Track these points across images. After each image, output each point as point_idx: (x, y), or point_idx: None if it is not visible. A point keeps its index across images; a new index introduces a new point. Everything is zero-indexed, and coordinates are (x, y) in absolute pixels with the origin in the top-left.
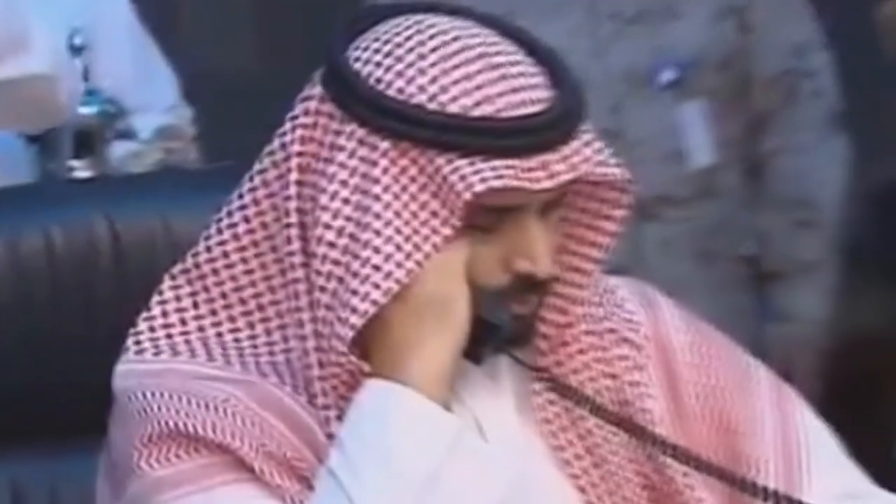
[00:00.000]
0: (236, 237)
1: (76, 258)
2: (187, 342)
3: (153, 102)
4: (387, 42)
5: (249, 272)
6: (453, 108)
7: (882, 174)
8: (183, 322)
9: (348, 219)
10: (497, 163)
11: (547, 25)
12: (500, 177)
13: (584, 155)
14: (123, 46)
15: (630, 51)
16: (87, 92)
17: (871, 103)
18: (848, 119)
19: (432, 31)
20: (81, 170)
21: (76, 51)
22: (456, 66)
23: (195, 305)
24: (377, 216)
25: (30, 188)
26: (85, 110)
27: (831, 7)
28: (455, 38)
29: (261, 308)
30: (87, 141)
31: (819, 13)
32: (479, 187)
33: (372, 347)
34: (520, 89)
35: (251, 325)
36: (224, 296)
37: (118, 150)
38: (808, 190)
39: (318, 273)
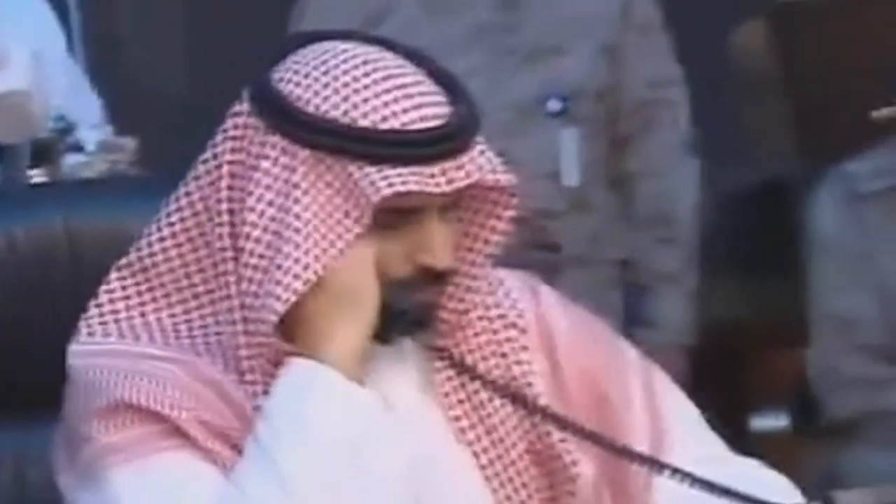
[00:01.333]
0: (174, 235)
1: (36, 253)
2: (131, 326)
3: (83, 120)
4: (305, 65)
5: (185, 265)
6: (364, 122)
7: (731, 184)
8: (128, 308)
9: (272, 218)
10: (402, 170)
11: (454, 61)
12: (405, 182)
13: (478, 163)
14: (60, 71)
15: (524, 84)
16: None
17: (724, 120)
18: (702, 135)
19: (345, 55)
20: (39, 176)
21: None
22: (366, 86)
23: (138, 294)
24: (297, 216)
25: None
26: None
27: (690, 33)
28: (365, 62)
29: (195, 297)
30: (43, 152)
31: (678, 39)
32: (386, 191)
33: (294, 331)
34: (421, 106)
35: (187, 312)
36: (163, 286)
37: (69, 160)
38: (666, 209)
39: (246, 266)
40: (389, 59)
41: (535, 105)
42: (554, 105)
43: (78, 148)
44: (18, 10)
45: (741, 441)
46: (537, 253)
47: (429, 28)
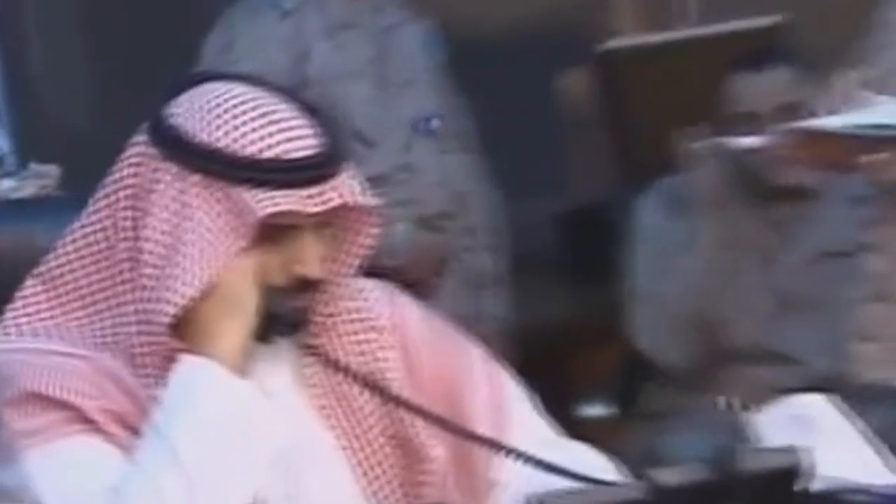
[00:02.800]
0: (77, 249)
1: None
2: (44, 328)
3: None
4: (196, 102)
5: (89, 275)
6: (247, 152)
7: (561, 208)
8: (38, 312)
9: (167, 234)
10: (280, 192)
11: (352, 87)
12: (282, 203)
13: (347, 187)
14: None
15: (407, 107)
16: None
17: (552, 154)
18: (533, 167)
19: (230, 94)
20: None
21: None
22: (248, 121)
23: (48, 300)
24: (190, 231)
25: None
26: None
27: (521, 78)
28: (246, 100)
29: (95, 303)
30: None
31: (513, 83)
32: (265, 211)
33: (185, 331)
34: (296, 138)
35: (90, 315)
36: (69, 293)
37: (4, 185)
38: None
39: (142, 275)
40: (268, 97)
41: (417, 124)
42: (434, 124)
43: (9, 174)
44: None
45: (567, 426)
46: None
47: (333, 58)
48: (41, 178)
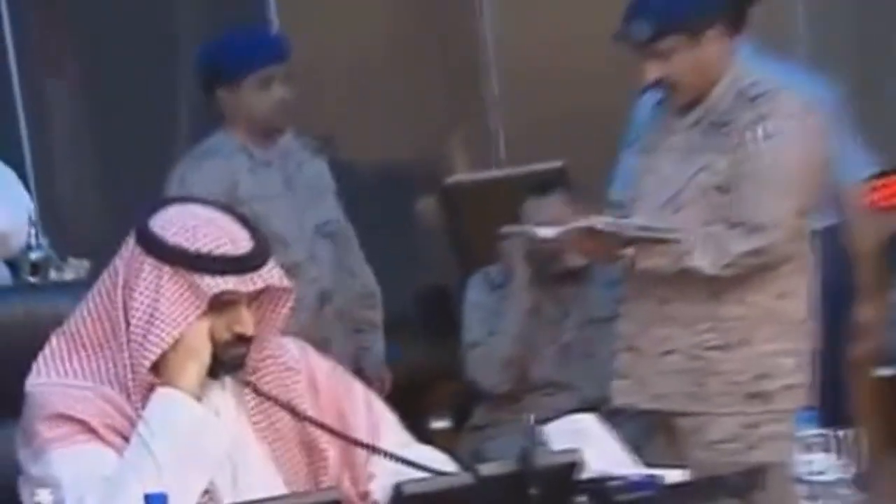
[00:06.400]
0: (88, 315)
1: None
2: (64, 368)
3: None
4: (168, 216)
5: (95, 332)
6: (203, 251)
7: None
8: (61, 358)
9: (148, 305)
10: (226, 277)
11: (270, 205)
12: (225, 285)
13: (272, 274)
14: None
15: (311, 217)
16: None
17: (416, 254)
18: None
19: (191, 211)
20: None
21: None
22: (204, 228)
23: (67, 350)
24: (163, 303)
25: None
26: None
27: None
28: (201, 215)
29: (102, 350)
30: (40, 265)
31: (381, 200)
32: (215, 290)
33: (161, 371)
34: (236, 241)
35: (96, 360)
36: (83, 346)
37: (53, 273)
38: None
39: (132, 332)
40: (216, 213)
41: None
42: (330, 227)
43: (56, 266)
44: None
45: (420, 435)
46: None
47: (255, 186)
48: (77, 269)
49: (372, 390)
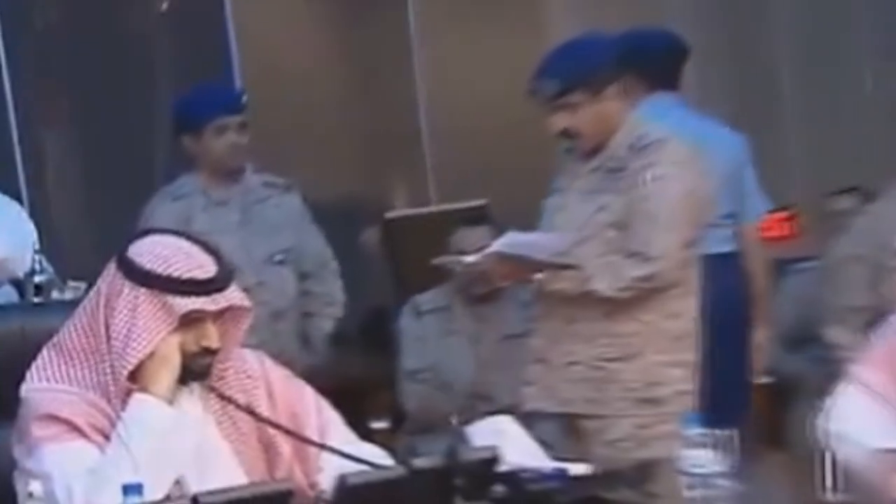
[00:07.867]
0: (73, 329)
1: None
2: (54, 376)
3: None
4: (144, 245)
5: (80, 345)
6: (174, 275)
7: (365, 307)
8: (52, 367)
9: (126, 322)
10: (194, 298)
11: (221, 240)
12: (194, 304)
13: (234, 294)
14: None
15: (262, 245)
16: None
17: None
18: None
19: (163, 240)
20: (37, 298)
21: None
22: (175, 255)
23: (57, 359)
24: (140, 320)
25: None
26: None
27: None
28: (171, 244)
29: (87, 360)
30: (42, 287)
31: (331, 233)
32: (184, 309)
33: (138, 378)
34: (203, 265)
35: (82, 368)
36: (71, 356)
37: (55, 294)
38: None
39: (112, 345)
40: (184, 242)
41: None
42: (279, 257)
43: (58, 288)
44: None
45: (362, 434)
46: None
47: (207, 220)
48: (76, 290)
49: (321, 396)
